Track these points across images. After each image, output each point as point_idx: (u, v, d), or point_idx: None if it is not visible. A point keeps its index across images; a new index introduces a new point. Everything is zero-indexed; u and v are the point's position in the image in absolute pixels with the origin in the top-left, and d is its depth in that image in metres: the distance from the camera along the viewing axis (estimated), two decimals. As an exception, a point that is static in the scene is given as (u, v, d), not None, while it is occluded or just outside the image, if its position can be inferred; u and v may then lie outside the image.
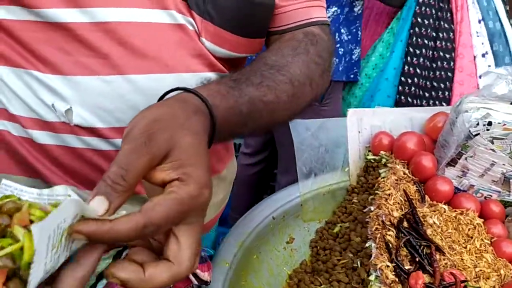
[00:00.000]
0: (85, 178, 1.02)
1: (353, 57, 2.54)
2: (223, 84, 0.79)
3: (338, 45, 2.39)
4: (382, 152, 1.59)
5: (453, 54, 2.67)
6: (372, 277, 1.16)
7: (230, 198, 3.19)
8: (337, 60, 2.39)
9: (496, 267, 1.23)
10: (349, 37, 2.41)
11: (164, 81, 0.95)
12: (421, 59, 2.66)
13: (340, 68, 2.38)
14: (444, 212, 1.36)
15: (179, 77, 0.97)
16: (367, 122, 1.67)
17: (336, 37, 2.38)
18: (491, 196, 1.44)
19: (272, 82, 0.92)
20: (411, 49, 2.69)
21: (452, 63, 2.64)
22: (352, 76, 2.49)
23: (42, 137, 0.99)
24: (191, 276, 1.12)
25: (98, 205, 0.51)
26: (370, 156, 1.61)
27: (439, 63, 2.64)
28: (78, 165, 1.00)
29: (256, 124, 0.91)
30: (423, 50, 2.68)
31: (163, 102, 0.67)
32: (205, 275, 1.16)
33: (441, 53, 2.67)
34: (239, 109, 0.78)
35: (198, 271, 1.15)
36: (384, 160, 1.57)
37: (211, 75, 1.01)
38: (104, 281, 0.85)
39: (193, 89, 0.71)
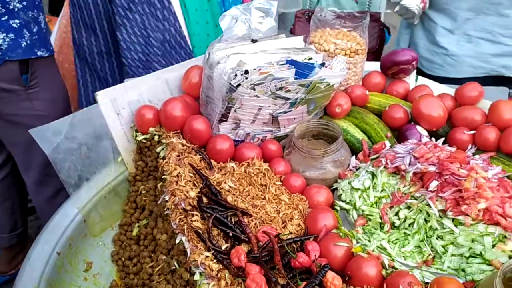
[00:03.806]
0: None
1: (41, 25, 1.95)
2: None
3: (6, 17, 1.79)
4: (151, 128, 1.44)
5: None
6: (197, 276, 1.07)
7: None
8: (12, 35, 1.81)
9: (294, 205, 1.29)
10: (24, 3, 1.83)
11: None
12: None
13: (24, 44, 1.85)
14: (234, 170, 1.33)
15: None
16: (122, 100, 1.46)
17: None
18: (266, 137, 1.48)
19: None
20: None
21: None
22: (42, 50, 1.94)
23: None
24: None
25: None
26: (140, 137, 1.44)
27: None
28: None
29: None
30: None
31: None
32: None
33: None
34: None
35: None
36: (156, 137, 1.42)
37: None
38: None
39: None
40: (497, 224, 1.12)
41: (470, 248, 1.11)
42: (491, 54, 2.13)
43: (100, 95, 1.41)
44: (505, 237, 1.11)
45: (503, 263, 0.98)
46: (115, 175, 1.44)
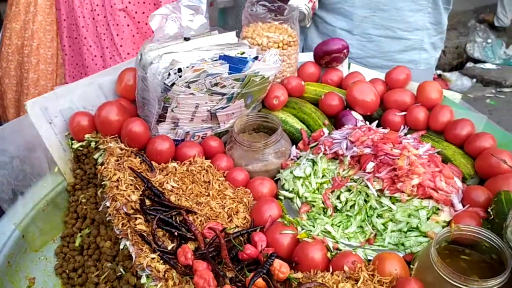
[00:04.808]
0: None
1: None
2: None
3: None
4: (87, 135, 1.39)
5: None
6: (143, 279, 1.05)
7: None
8: None
9: (239, 198, 1.30)
10: None
11: None
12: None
13: None
14: (176, 170, 1.32)
15: None
16: (54, 109, 1.41)
17: None
18: (207, 134, 1.47)
19: None
20: None
21: None
22: None
23: None
24: None
25: None
26: (76, 145, 1.40)
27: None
28: None
29: None
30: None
31: None
32: None
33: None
34: None
35: None
36: (93, 143, 1.38)
37: None
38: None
39: None
40: (430, 197, 1.18)
41: (408, 222, 1.16)
42: (395, 51, 2.09)
43: (29, 104, 1.36)
44: (438, 209, 1.18)
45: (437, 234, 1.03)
46: (52, 187, 1.38)
